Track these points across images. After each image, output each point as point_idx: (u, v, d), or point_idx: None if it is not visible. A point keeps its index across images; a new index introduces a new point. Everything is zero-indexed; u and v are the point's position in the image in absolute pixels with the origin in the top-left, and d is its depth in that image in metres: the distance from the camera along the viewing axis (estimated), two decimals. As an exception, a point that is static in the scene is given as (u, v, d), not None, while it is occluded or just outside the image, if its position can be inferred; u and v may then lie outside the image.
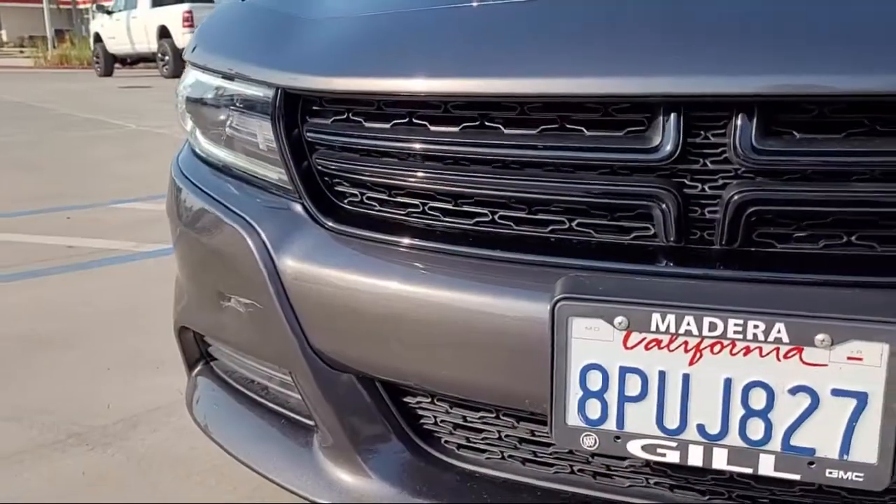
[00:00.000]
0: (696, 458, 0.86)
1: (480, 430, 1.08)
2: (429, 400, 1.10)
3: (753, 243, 0.87)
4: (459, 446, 1.11)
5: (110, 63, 17.73)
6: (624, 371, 0.86)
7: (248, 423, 1.29)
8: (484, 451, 1.09)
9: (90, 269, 3.13)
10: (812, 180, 0.83)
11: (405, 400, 1.11)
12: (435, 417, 1.11)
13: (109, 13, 17.40)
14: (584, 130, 0.90)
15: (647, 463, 0.99)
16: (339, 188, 1.09)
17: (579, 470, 1.04)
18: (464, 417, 1.08)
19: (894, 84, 0.78)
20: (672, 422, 0.85)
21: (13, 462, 1.71)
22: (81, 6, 39.29)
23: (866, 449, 0.80)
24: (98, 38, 17.93)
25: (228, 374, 1.36)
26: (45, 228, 3.79)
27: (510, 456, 1.08)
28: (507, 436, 1.06)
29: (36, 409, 1.94)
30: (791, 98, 0.81)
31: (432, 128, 0.98)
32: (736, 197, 0.84)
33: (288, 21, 1.19)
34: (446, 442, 1.12)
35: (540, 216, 0.96)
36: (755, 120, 0.82)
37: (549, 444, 1.03)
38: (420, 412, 1.12)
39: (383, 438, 1.11)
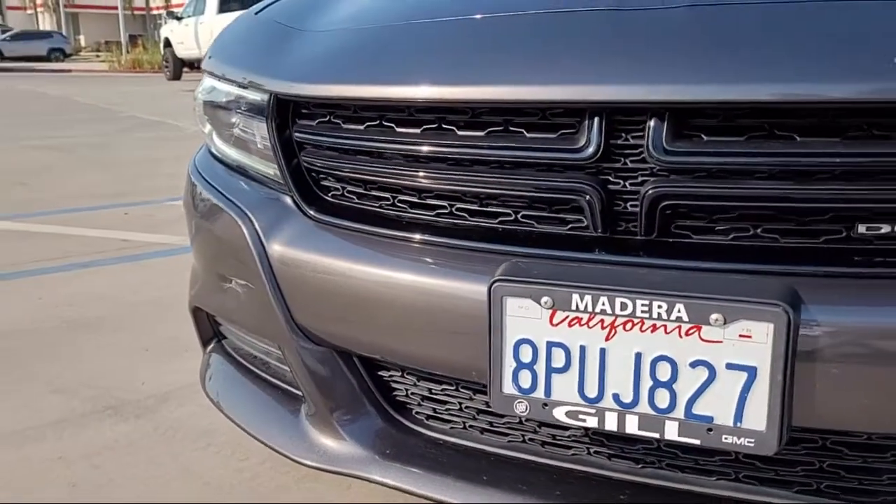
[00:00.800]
0: (611, 423, 0.96)
1: (444, 402, 1.20)
2: (400, 374, 1.22)
3: (672, 234, 0.97)
4: (428, 416, 1.23)
5: (179, 67, 18.33)
6: (550, 345, 0.97)
7: (251, 394, 1.43)
8: (448, 421, 1.21)
9: (140, 260, 3.35)
10: (718, 178, 0.93)
11: (380, 374, 1.24)
12: (406, 390, 1.24)
13: (179, 19, 18.01)
14: (525, 132, 1.02)
15: (586, 433, 1.10)
16: (324, 183, 1.23)
17: (529, 439, 1.15)
18: (429, 390, 1.20)
19: (785, 93, 0.88)
20: (592, 391, 0.96)
21: (56, 428, 1.89)
22: (154, 12, 40.62)
23: (756, 417, 0.89)
24: (167, 43, 18.57)
25: (236, 351, 1.51)
26: (104, 223, 4.04)
27: (470, 426, 1.20)
28: (466, 407, 1.18)
29: (79, 384, 2.13)
30: (696, 105, 0.92)
31: (398, 129, 1.11)
32: (651, 192, 0.94)
33: (287, 33, 1.33)
34: (417, 413, 1.24)
35: (490, 209, 1.07)
36: (666, 124, 0.92)
37: (502, 415, 1.15)
38: (393, 385, 1.24)
39: (359, 408, 1.24)
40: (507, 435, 1.17)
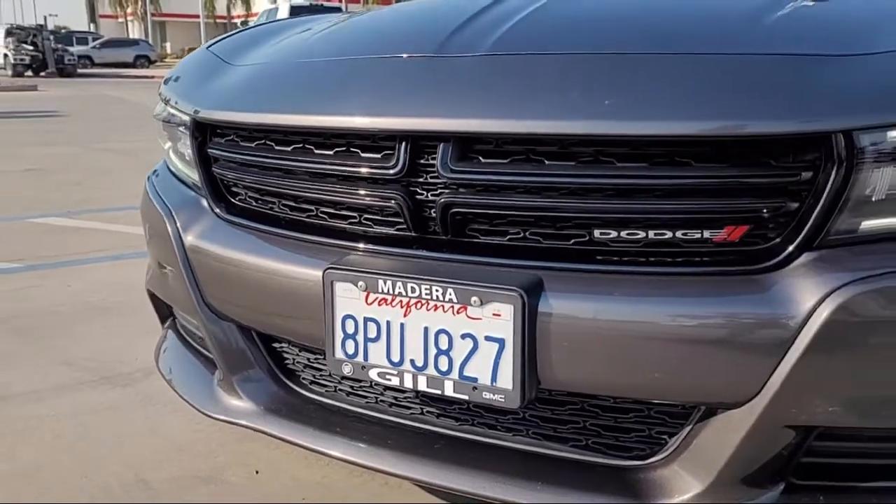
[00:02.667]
0: (409, 383, 1.22)
1: (319, 369, 1.48)
2: (287, 345, 1.50)
3: (466, 235, 1.23)
4: (311, 381, 1.51)
5: (251, 75, 19.03)
6: (366, 320, 1.23)
7: (188, 363, 1.73)
8: (324, 385, 1.49)
9: (164, 255, 3.72)
10: (491, 191, 1.18)
11: (273, 344, 1.52)
12: (293, 359, 1.51)
13: (251, 29, 18.74)
14: (360, 152, 1.29)
15: (418, 395, 1.36)
16: (233, 189, 1.52)
17: (380, 401, 1.42)
18: (308, 359, 1.48)
19: (534, 127, 1.13)
20: (395, 356, 1.22)
21: (56, 391, 2.24)
22: (235, 20, 42.06)
23: (505, 378, 1.14)
24: (241, 52, 19.32)
25: (182, 328, 1.81)
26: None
27: (339, 389, 1.47)
28: (333, 374, 1.45)
29: (83, 358, 2.48)
30: (474, 135, 1.17)
31: (276, 147, 1.39)
32: (443, 201, 1.20)
33: (219, 66, 1.63)
34: (302, 378, 1.52)
35: (343, 212, 1.34)
36: (452, 148, 1.18)
37: (359, 380, 1.41)
38: (283, 354, 1.52)
39: (255, 373, 1.52)
40: (364, 397, 1.44)
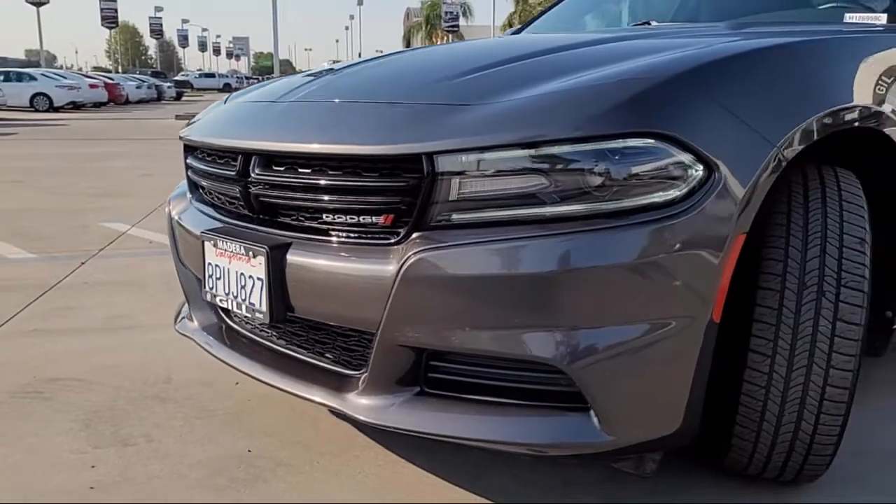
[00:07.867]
0: (231, 306, 1.93)
1: (234, 305, 2.23)
2: (221, 288, 2.27)
3: (277, 216, 1.91)
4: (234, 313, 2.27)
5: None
6: (216, 266, 1.97)
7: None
8: (238, 315, 2.24)
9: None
10: (278, 188, 1.85)
11: (216, 288, 2.30)
12: (225, 298, 2.28)
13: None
14: (231, 161, 2.03)
15: (269, 325, 2.05)
16: (199, 185, 2.33)
17: (254, 327, 2.14)
18: (228, 297, 2.24)
19: (288, 147, 1.80)
20: (226, 290, 1.94)
21: (169, 326, 3.22)
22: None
23: (264, 305, 1.81)
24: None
25: (202, 280, 2.66)
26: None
27: (243, 319, 2.21)
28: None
29: (199, 309, 3.46)
30: (268, 151, 1.86)
31: (206, 158, 2.17)
32: (255, 194, 1.90)
33: (218, 105, 2.46)
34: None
35: (229, 199, 2.09)
36: (259, 160, 1.88)
37: (216, 306, 2.14)
38: (221, 295, 2.30)
39: (205, 308, 2.31)
40: (250, 325, 2.17)
